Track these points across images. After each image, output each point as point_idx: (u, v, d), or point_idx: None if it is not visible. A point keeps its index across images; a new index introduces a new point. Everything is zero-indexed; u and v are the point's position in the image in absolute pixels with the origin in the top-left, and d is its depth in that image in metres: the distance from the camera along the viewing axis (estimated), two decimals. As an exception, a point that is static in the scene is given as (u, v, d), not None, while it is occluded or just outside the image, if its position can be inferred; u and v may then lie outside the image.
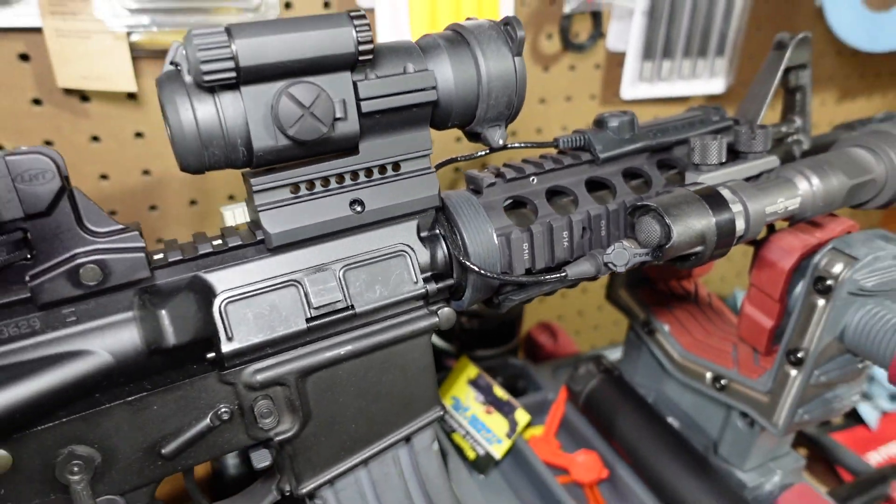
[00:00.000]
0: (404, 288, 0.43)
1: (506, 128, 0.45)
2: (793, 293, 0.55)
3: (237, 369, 0.39)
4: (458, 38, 0.42)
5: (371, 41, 0.37)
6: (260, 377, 0.40)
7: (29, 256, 0.34)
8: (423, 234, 0.44)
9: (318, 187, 0.40)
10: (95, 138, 0.69)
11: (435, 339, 0.88)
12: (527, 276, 0.45)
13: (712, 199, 0.45)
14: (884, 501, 0.75)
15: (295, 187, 0.40)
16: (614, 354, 0.85)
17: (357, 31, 0.36)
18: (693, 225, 0.43)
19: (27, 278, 0.34)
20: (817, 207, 0.50)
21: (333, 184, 0.41)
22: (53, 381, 0.34)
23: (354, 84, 0.38)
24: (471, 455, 0.71)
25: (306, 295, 0.40)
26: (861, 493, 0.74)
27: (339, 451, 0.44)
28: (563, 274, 0.44)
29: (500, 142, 0.45)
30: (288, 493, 0.44)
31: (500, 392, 0.74)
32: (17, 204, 0.33)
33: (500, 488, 0.70)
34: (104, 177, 0.70)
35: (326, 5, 0.72)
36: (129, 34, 0.60)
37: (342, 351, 0.41)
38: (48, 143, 0.67)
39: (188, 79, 0.35)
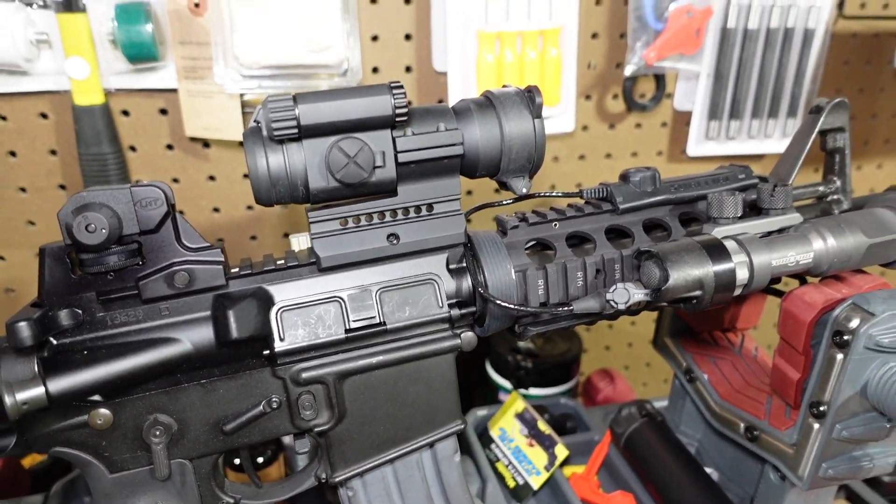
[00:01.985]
0: (431, 311, 0.50)
1: (529, 179, 0.52)
2: (818, 347, 0.56)
3: (286, 366, 0.48)
4: (486, 102, 0.50)
5: (405, 106, 0.45)
6: (304, 375, 0.48)
7: (139, 263, 0.45)
8: (452, 266, 0.52)
9: (363, 221, 0.49)
10: (212, 177, 0.83)
11: (492, 373, 0.94)
12: (537, 308, 0.51)
13: (713, 248, 0.49)
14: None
15: (343, 221, 0.49)
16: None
17: (395, 99, 0.45)
18: (691, 272, 0.48)
19: (137, 279, 0.45)
20: (833, 264, 0.52)
21: (375, 219, 0.49)
22: (148, 359, 0.45)
23: (393, 139, 0.47)
24: (510, 484, 0.76)
25: (346, 310, 0.48)
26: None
27: (368, 448, 0.51)
28: (570, 308, 0.50)
29: (524, 190, 0.51)
30: (324, 481, 0.52)
31: (543, 426, 0.78)
32: (136, 222, 0.44)
33: (535, 518, 0.74)
34: (216, 209, 0.84)
35: (408, 69, 0.83)
36: (241, 95, 0.73)
37: (374, 360, 0.49)
38: (175, 180, 0.82)
39: (264, 133, 0.45)
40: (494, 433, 0.80)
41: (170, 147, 0.80)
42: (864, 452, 0.56)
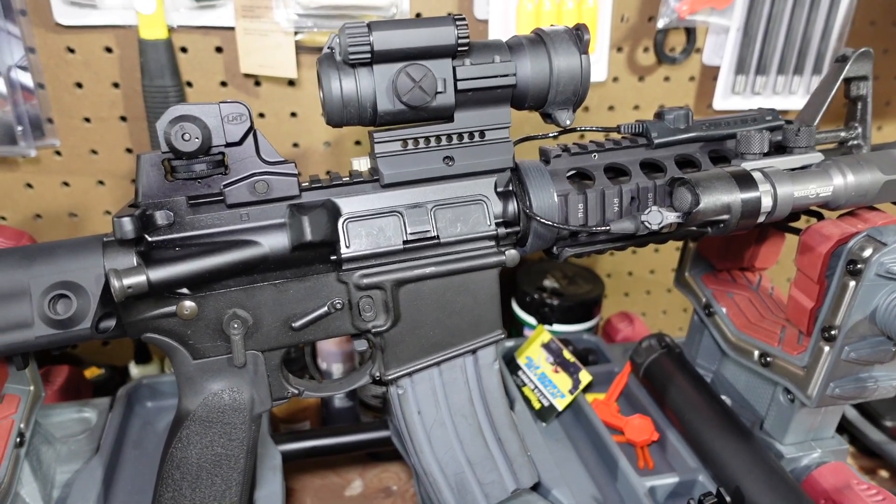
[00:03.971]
0: (480, 228, 0.55)
1: (573, 112, 0.56)
2: (832, 277, 0.61)
3: (350, 272, 0.53)
4: (538, 38, 0.54)
5: (468, 37, 0.50)
6: (365, 280, 0.54)
7: (224, 171, 0.50)
8: (500, 189, 0.57)
9: (421, 144, 0.54)
10: (262, 115, 0.88)
11: (518, 310, 1.00)
12: (576, 226, 0.56)
13: (741, 178, 0.53)
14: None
15: (404, 143, 0.54)
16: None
17: (458, 30, 0.49)
18: (720, 197, 0.52)
19: (222, 185, 0.50)
20: (850, 198, 0.57)
21: (433, 143, 0.54)
22: (231, 258, 0.50)
23: (454, 68, 0.51)
24: (536, 405, 0.82)
25: (405, 223, 0.54)
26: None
27: (418, 350, 0.57)
28: (607, 227, 0.54)
29: (568, 122, 0.56)
30: (377, 378, 0.58)
31: (567, 355, 0.84)
32: (223, 135, 0.49)
33: (559, 436, 0.80)
34: (265, 146, 0.89)
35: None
36: (295, 33, 0.78)
37: (427, 270, 0.55)
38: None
39: (338, 58, 0.50)
40: (521, 361, 0.86)
41: (223, 84, 0.85)
42: (869, 374, 0.61)
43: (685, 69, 0.97)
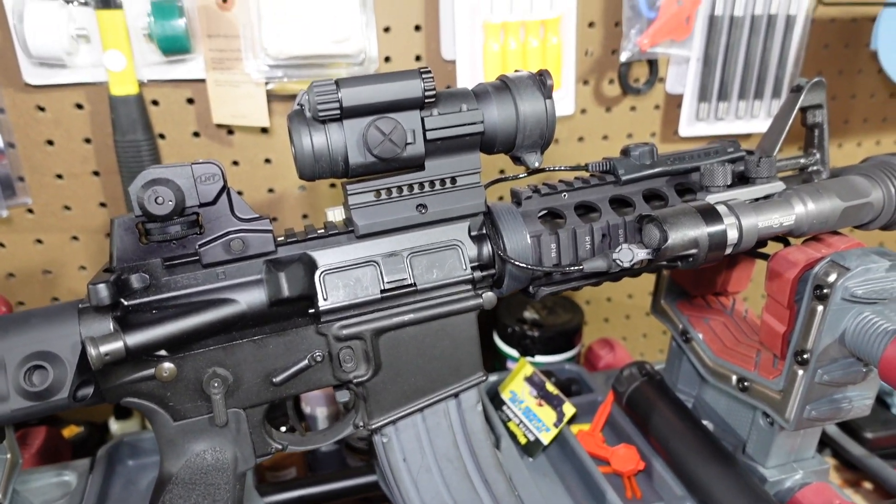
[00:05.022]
0: (456, 273, 0.56)
1: (541, 154, 0.58)
2: (801, 302, 0.62)
3: (329, 324, 0.54)
4: (503, 85, 0.55)
5: (434, 89, 0.51)
6: (345, 331, 0.54)
7: (199, 232, 0.51)
8: (473, 233, 0.58)
9: (394, 193, 0.55)
10: (236, 163, 0.88)
11: (500, 344, 1.00)
12: (550, 267, 0.57)
13: (707, 212, 0.55)
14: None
15: (377, 193, 0.54)
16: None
17: (424, 83, 0.50)
18: (687, 232, 0.54)
19: (197, 246, 0.51)
20: (812, 225, 0.59)
21: (405, 192, 0.55)
22: (209, 318, 0.50)
23: (422, 119, 0.52)
24: (522, 440, 0.82)
25: (381, 272, 0.54)
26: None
27: (400, 397, 0.57)
28: (580, 267, 0.56)
29: (536, 164, 0.57)
30: (360, 427, 0.58)
31: (551, 387, 0.84)
32: (196, 196, 0.49)
33: (546, 471, 0.80)
34: (240, 193, 0.89)
35: (418, 58, 0.88)
36: (266, 83, 0.78)
37: (406, 318, 0.55)
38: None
39: (308, 115, 0.51)
40: (505, 396, 0.87)
41: (196, 134, 0.86)
42: (843, 395, 0.63)
43: (650, 98, 1.00)
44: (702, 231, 0.54)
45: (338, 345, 0.55)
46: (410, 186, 0.55)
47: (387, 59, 0.87)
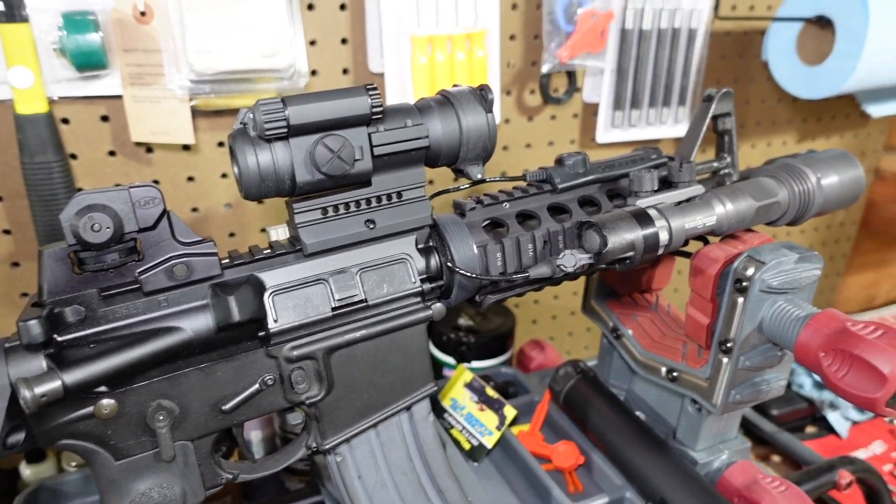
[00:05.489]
0: (405, 286, 0.56)
1: (483, 165, 0.59)
2: (722, 295, 0.67)
3: (280, 345, 0.53)
4: (445, 100, 0.56)
5: (381, 105, 0.51)
6: (296, 352, 0.53)
7: (138, 259, 0.48)
8: (420, 246, 0.58)
9: (342, 210, 0.54)
10: (156, 181, 0.84)
11: (436, 352, 1.01)
12: (497, 276, 0.59)
13: (641, 216, 0.58)
14: (832, 488, 0.85)
15: (324, 210, 0.54)
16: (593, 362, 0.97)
17: (371, 99, 0.51)
18: (624, 236, 0.57)
19: (137, 274, 0.48)
20: (731, 224, 0.64)
21: (353, 208, 0.55)
22: (152, 348, 0.48)
23: (369, 135, 0.52)
24: (466, 446, 0.83)
25: (332, 290, 0.54)
26: (812, 479, 0.85)
27: (354, 414, 0.57)
28: (526, 274, 0.57)
29: (479, 175, 0.59)
30: (314, 449, 0.57)
31: (491, 392, 0.86)
32: (135, 221, 0.47)
33: (491, 474, 0.82)
34: (162, 213, 0.85)
35: (345, 72, 0.88)
36: (191, 99, 0.75)
37: (358, 334, 0.55)
38: (118, 186, 0.83)
39: (252, 134, 0.49)
40: (446, 403, 0.87)
41: (112, 153, 0.81)
42: (762, 378, 0.68)
43: (569, 108, 1.05)
44: (637, 234, 0.58)
45: (289, 366, 0.54)
46: (358, 203, 0.55)
47: (313, 73, 0.86)
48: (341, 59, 0.86)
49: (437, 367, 1.03)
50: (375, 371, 0.57)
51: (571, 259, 0.56)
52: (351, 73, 0.88)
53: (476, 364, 1.00)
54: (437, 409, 0.88)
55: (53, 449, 0.50)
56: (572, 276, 0.65)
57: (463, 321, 1.02)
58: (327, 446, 0.57)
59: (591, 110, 1.05)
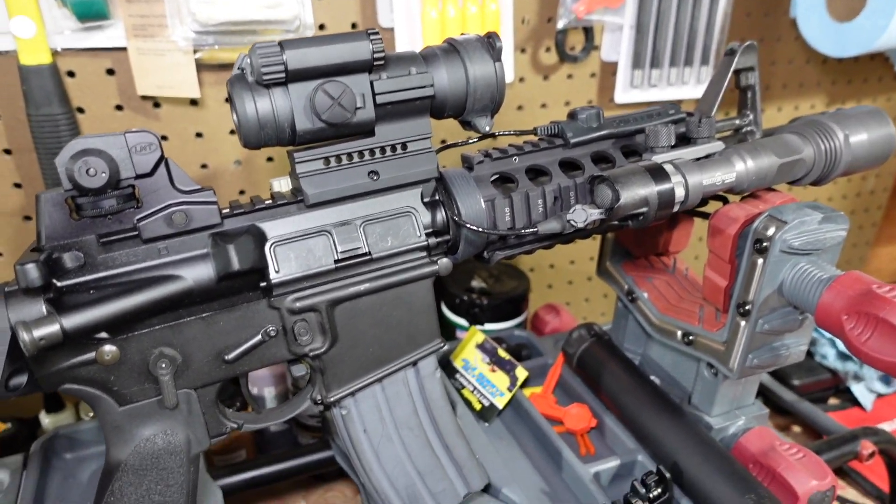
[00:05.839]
0: (410, 240, 0.55)
1: (491, 118, 0.57)
2: (741, 256, 0.65)
3: (282, 297, 0.52)
4: (451, 48, 0.54)
5: (383, 51, 0.49)
6: (298, 304, 0.52)
7: (137, 205, 0.47)
8: (426, 199, 0.57)
9: (344, 161, 0.53)
10: (164, 137, 0.83)
11: (449, 314, 1.00)
12: (505, 231, 0.57)
13: (655, 171, 0.56)
14: (853, 458, 0.83)
15: (326, 160, 0.52)
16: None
17: (372, 44, 0.49)
18: (638, 191, 0.55)
19: (136, 220, 0.47)
20: (752, 181, 0.61)
21: (356, 158, 0.53)
22: (151, 296, 0.47)
23: (371, 82, 0.50)
24: (477, 406, 0.83)
25: (335, 242, 0.52)
26: (832, 449, 0.83)
27: (358, 368, 0.56)
28: (535, 229, 0.56)
29: (487, 128, 0.57)
30: (319, 401, 0.56)
31: (503, 353, 0.85)
32: (132, 167, 0.46)
33: (502, 434, 0.81)
34: (171, 170, 0.84)
35: (354, 26, 0.86)
36: (195, 51, 0.74)
37: (361, 287, 0.54)
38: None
39: (251, 79, 0.48)
40: (458, 364, 0.87)
41: (119, 108, 0.80)
42: (781, 343, 0.66)
43: (586, 66, 1.01)
44: (651, 190, 0.55)
45: (292, 318, 0.53)
46: (361, 153, 0.53)
47: (321, 27, 0.84)
48: (350, 12, 0.84)
49: (450, 329, 1.02)
50: (380, 325, 0.56)
51: (582, 214, 0.54)
52: (360, 27, 0.85)
53: (489, 326, 0.99)
54: (449, 370, 0.87)
55: (59, 393, 0.49)
56: (584, 234, 0.63)
57: (476, 283, 1.01)
58: (332, 399, 0.56)
59: (609, 69, 1.02)
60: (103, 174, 0.44)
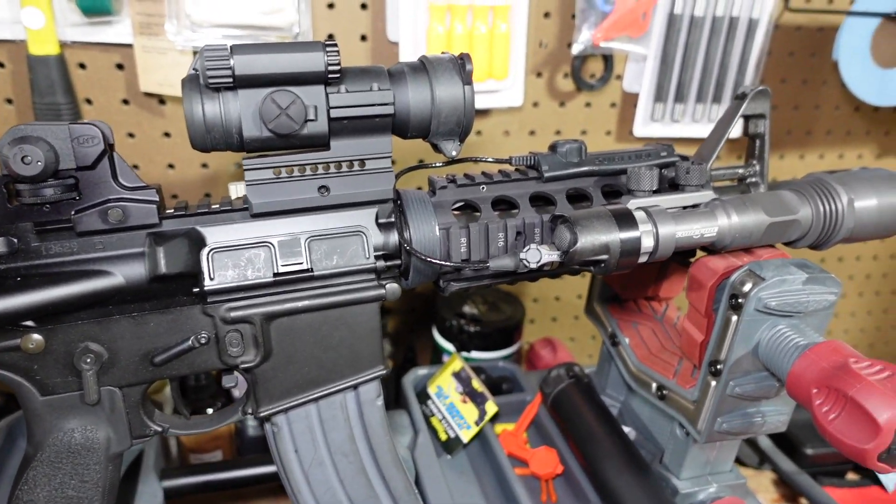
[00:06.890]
0: (357, 261, 0.53)
1: (460, 143, 0.55)
2: (718, 310, 0.60)
3: (216, 305, 0.51)
4: (420, 66, 0.52)
5: (338, 64, 0.48)
6: (232, 314, 0.51)
7: (76, 197, 0.47)
8: (381, 220, 0.55)
9: (295, 172, 0.52)
10: (167, 134, 0.85)
11: (438, 337, 0.98)
12: (454, 263, 0.54)
13: (622, 216, 0.53)
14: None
15: (277, 171, 0.51)
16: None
17: (328, 56, 0.47)
18: (598, 237, 0.51)
19: (72, 213, 0.47)
20: (735, 239, 0.56)
21: (307, 171, 0.52)
22: (81, 289, 0.47)
23: (327, 95, 0.49)
24: (443, 437, 0.80)
25: (276, 255, 0.51)
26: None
27: (293, 386, 0.55)
28: (486, 265, 0.53)
29: (454, 153, 0.55)
30: (249, 414, 0.55)
31: (476, 384, 0.82)
32: (73, 158, 0.46)
33: (464, 469, 0.78)
34: (171, 166, 0.86)
35: (363, 38, 0.85)
36: (194, 53, 0.75)
37: (300, 304, 0.52)
38: (131, 135, 0.84)
39: (202, 81, 0.47)
40: (432, 390, 0.84)
41: (125, 102, 0.82)
42: (756, 409, 0.61)
43: (606, 95, 0.98)
44: (614, 236, 0.52)
45: (225, 327, 0.52)
46: (313, 166, 0.52)
47: (330, 37, 0.84)
48: (360, 24, 0.84)
49: (438, 353, 1.00)
50: (319, 345, 0.54)
51: (536, 254, 0.51)
52: (369, 40, 0.85)
53: (476, 355, 0.96)
54: (422, 396, 0.85)
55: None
56: (549, 274, 0.60)
57: (468, 308, 0.98)
58: (262, 414, 0.55)
59: (631, 100, 0.98)
60: (38, 163, 0.44)
